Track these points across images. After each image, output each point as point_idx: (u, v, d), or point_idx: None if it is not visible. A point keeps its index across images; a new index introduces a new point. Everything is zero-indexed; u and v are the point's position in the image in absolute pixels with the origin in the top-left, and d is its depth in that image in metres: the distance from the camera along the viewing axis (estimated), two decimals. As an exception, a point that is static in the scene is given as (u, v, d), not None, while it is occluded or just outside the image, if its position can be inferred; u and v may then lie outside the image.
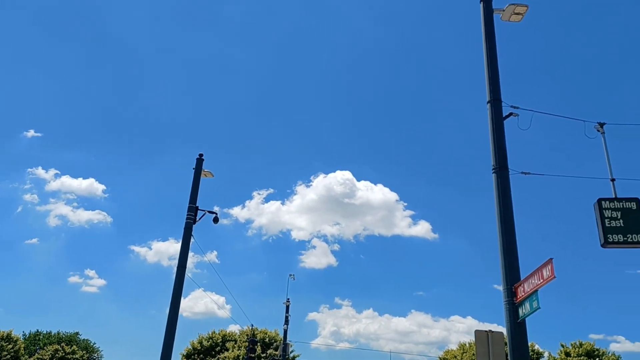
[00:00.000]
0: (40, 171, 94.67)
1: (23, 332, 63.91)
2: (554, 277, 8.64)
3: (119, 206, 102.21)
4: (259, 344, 48.61)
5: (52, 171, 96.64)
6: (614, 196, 10.18)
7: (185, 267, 17.51)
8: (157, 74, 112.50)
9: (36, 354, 57.75)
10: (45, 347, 59.14)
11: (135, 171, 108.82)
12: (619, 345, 77.61)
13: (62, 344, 58.69)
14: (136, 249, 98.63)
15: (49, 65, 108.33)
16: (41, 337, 64.36)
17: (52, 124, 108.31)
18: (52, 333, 64.89)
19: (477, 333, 10.68)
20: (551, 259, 8.78)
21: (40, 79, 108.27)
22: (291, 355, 50.26)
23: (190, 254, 18.19)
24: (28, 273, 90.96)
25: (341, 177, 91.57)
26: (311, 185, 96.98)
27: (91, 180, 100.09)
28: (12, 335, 53.90)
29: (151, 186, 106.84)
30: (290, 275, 43.79)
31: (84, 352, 60.62)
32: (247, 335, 49.33)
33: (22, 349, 54.57)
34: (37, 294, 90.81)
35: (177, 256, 17.73)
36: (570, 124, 11.19)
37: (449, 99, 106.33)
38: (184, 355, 51.26)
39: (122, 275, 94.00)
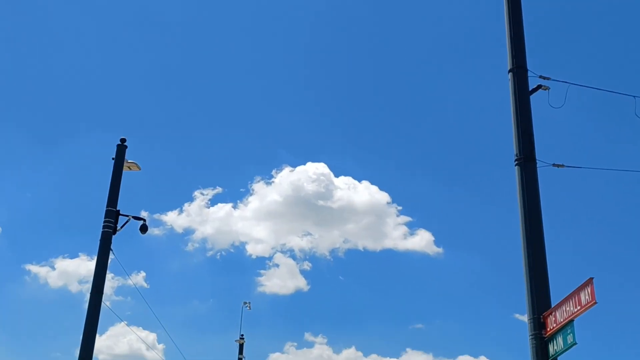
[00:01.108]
0: None
1: None
2: (595, 302, 7.74)
3: (9, 211, 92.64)
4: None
5: None
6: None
7: (102, 293, 15.41)
8: (63, 32, 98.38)
9: None
10: None
11: (33, 163, 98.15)
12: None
13: None
14: (34, 268, 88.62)
15: None
16: None
17: None
18: None
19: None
20: (591, 278, 7.88)
21: None
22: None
23: (109, 275, 16.44)
24: None
25: (314, 172, 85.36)
26: (273, 182, 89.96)
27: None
28: None
29: (54, 184, 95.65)
30: (245, 303, 38.94)
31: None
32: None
33: None
34: None
35: (91, 279, 15.78)
36: (616, 100, 9.34)
37: (456, 69, 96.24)
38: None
39: (14, 304, 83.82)
